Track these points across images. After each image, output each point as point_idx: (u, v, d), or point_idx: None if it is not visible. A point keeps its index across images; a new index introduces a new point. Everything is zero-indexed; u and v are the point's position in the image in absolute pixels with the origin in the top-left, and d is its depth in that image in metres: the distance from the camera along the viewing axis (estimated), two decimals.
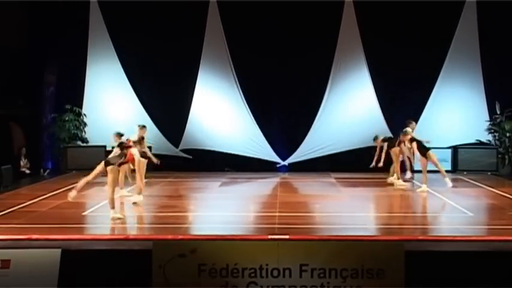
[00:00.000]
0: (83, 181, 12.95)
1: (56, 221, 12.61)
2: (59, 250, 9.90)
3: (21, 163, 20.54)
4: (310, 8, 20.61)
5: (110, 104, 22.11)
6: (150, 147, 21.54)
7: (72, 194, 12.81)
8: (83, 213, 13.57)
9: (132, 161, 13.68)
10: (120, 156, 13.18)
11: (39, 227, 11.97)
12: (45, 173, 21.06)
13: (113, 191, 12.75)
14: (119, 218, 12.60)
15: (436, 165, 16.80)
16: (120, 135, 14.83)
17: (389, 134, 21.41)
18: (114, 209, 12.65)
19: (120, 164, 12.97)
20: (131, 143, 14.16)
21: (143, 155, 14.86)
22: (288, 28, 20.93)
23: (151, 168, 21.08)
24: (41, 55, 21.47)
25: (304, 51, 20.97)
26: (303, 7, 20.61)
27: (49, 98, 22.19)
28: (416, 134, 17.11)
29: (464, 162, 21.24)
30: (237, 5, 20.79)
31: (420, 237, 11.24)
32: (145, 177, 15.63)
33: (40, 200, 15.24)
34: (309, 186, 18.50)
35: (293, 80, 21.11)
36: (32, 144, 21.43)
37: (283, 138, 21.70)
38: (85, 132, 22.10)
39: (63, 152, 21.63)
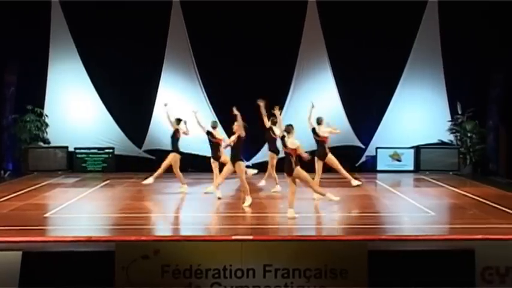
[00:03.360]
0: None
1: (16, 223, 12.44)
2: (20, 253, 9.78)
3: None
4: (273, 8, 20.59)
5: (72, 104, 21.87)
6: (113, 148, 21.61)
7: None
8: (45, 215, 13.41)
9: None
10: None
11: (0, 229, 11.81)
12: (6, 175, 20.76)
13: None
14: (293, 217, 12.85)
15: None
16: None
17: (353, 135, 21.61)
18: (292, 209, 12.99)
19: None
20: None
21: None
22: (252, 28, 20.90)
23: (115, 169, 21.20)
24: (1, 55, 21.14)
25: (267, 51, 20.94)
26: (267, 7, 20.58)
27: (9, 99, 21.84)
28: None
29: (426, 162, 21.47)
30: (200, 5, 20.74)
31: (383, 237, 11.33)
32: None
33: (0, 201, 15.04)
34: (273, 186, 18.47)
35: (257, 80, 21.01)
36: None
37: (247, 138, 21.59)
38: (46, 133, 21.83)
39: (24, 153, 21.36)
